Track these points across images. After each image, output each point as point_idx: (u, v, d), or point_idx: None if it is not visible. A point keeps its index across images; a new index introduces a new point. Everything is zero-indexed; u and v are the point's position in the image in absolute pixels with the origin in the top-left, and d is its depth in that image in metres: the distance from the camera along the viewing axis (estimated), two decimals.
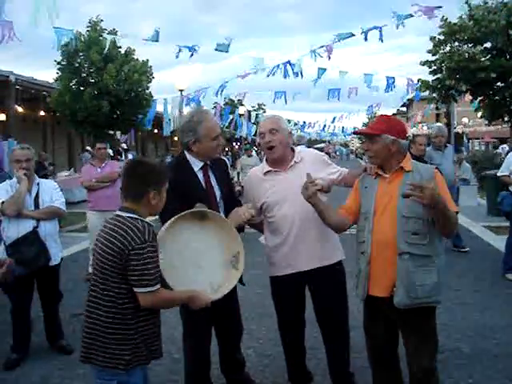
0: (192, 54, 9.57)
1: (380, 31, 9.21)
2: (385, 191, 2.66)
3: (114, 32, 15.25)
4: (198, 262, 2.58)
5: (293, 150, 3.21)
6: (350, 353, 3.26)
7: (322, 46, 10.28)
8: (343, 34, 9.87)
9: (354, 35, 9.79)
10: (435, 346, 2.71)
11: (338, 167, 3.32)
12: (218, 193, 3.07)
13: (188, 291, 2.39)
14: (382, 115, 2.94)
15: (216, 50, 9.96)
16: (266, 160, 3.21)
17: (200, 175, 3.04)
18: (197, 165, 3.04)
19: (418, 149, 6.61)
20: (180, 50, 9.41)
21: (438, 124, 9.61)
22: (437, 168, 2.78)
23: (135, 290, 2.17)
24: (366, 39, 9.46)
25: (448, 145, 8.01)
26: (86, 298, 2.31)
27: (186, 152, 3.07)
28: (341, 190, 3.27)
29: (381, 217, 2.63)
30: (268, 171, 3.16)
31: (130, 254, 2.13)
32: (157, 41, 9.22)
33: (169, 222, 2.51)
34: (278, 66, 11.16)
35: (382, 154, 2.64)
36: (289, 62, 11.11)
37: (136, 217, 2.23)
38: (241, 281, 2.91)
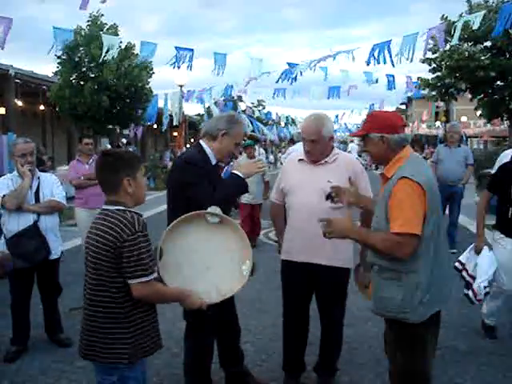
0: (189, 57, 9.42)
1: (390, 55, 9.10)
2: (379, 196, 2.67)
3: (114, 27, 15.24)
4: (207, 263, 2.55)
5: (332, 148, 3.25)
6: (339, 350, 3.38)
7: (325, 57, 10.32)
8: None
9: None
10: (406, 360, 2.48)
11: (369, 188, 3.25)
12: None
13: (180, 288, 2.37)
14: (368, 114, 2.86)
15: (215, 53, 10.01)
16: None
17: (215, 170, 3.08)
18: (213, 159, 3.05)
19: None
20: (177, 56, 9.25)
21: (454, 122, 9.54)
22: (406, 177, 2.35)
23: (129, 281, 2.15)
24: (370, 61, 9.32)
25: (462, 145, 7.91)
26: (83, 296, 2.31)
27: (204, 144, 3.05)
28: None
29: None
30: (301, 159, 3.27)
31: (122, 246, 2.11)
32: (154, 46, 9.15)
33: (180, 217, 2.48)
34: (286, 73, 11.20)
35: (376, 153, 2.54)
36: (290, 69, 11.11)
37: (123, 208, 2.21)
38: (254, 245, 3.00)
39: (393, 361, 2.59)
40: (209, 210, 2.60)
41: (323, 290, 3.25)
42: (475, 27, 8.04)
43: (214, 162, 3.04)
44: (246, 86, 12.60)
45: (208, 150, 3.03)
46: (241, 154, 11.13)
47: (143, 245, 2.14)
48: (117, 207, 2.21)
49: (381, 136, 2.48)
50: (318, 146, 3.12)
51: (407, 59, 8.82)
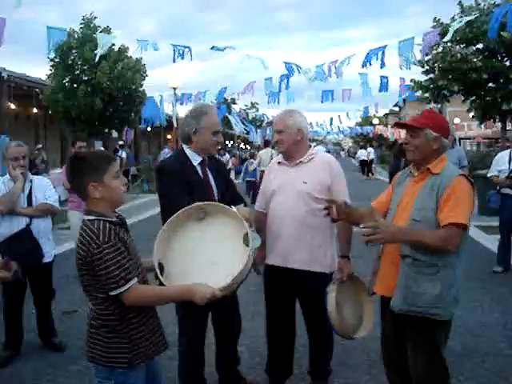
0: (187, 53, 9.51)
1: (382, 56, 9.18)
2: (410, 190, 2.61)
3: (107, 29, 15.21)
4: (212, 259, 2.42)
5: (308, 148, 3.21)
6: (331, 352, 3.34)
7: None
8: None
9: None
10: (432, 358, 2.54)
11: (346, 192, 3.19)
12: (215, 190, 3.09)
13: (180, 285, 2.26)
14: (427, 110, 2.79)
15: (212, 48, 10.10)
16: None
17: (199, 169, 3.07)
18: (196, 159, 3.06)
19: None
20: (175, 51, 9.36)
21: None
22: (464, 175, 2.50)
23: (109, 293, 2.08)
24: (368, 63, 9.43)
25: (455, 147, 7.91)
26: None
27: (184, 146, 3.10)
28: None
29: (399, 215, 2.58)
30: (280, 162, 3.27)
31: (92, 260, 2.04)
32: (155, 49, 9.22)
33: (164, 226, 2.39)
34: (287, 76, 11.28)
35: (423, 150, 2.53)
36: (291, 67, 11.16)
37: (93, 218, 2.09)
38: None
39: (415, 361, 2.57)
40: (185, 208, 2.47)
41: (302, 295, 3.20)
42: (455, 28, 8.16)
43: (197, 161, 3.07)
44: (250, 92, 12.69)
45: (189, 152, 3.07)
46: (251, 152, 11.10)
47: (109, 257, 2.02)
48: (89, 217, 2.11)
49: (436, 136, 2.53)
50: (285, 136, 3.12)
51: (406, 67, 8.92)
